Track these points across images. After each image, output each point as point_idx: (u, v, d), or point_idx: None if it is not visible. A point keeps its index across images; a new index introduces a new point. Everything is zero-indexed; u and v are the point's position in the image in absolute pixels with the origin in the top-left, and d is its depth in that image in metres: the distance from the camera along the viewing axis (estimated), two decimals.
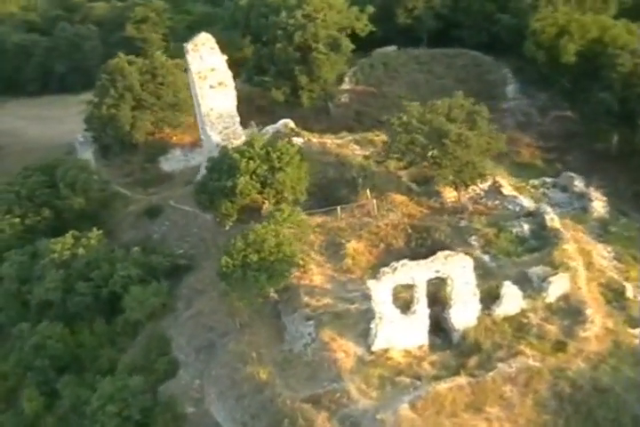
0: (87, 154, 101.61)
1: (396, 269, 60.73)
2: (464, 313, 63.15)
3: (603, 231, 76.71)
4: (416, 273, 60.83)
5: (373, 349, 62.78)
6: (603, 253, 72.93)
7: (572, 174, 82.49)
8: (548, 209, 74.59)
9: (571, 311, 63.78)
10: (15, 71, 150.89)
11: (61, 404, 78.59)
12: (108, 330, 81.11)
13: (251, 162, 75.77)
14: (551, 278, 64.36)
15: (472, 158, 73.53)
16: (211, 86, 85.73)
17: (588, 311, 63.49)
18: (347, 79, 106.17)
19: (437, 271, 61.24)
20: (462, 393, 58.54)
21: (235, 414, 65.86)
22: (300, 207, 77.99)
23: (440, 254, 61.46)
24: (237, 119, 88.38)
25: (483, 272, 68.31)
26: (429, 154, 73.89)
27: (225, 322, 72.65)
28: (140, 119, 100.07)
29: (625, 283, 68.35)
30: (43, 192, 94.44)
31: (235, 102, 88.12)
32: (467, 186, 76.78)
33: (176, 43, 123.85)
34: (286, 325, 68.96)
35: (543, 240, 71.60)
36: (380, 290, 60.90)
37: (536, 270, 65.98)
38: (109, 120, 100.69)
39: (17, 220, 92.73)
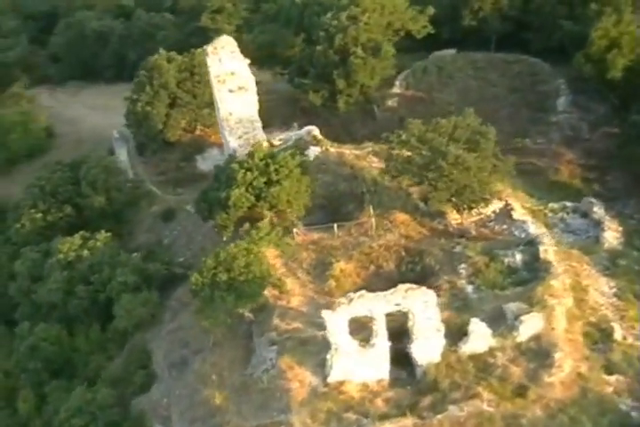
0: (122, 150, 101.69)
1: (351, 300, 59.11)
2: (427, 349, 60.71)
3: (611, 264, 71.96)
4: (374, 305, 59.04)
5: (329, 380, 61.35)
6: (603, 289, 69.30)
7: (593, 200, 78.86)
8: (545, 239, 70.94)
9: (540, 353, 60.98)
10: (93, 57, 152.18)
11: (47, 409, 78.48)
12: (101, 336, 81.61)
13: (248, 173, 75.01)
14: (523, 317, 61.24)
15: (471, 182, 70.42)
16: (230, 90, 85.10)
17: (557, 355, 60.32)
18: (397, 83, 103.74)
19: (397, 305, 59.29)
20: None
21: None
22: (304, 221, 76.38)
23: (400, 287, 59.75)
24: (258, 124, 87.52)
25: (461, 304, 66.25)
26: (426, 175, 70.53)
27: (201, 339, 72.44)
28: (173, 118, 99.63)
29: (613, 324, 64.03)
30: (66, 189, 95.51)
31: (256, 107, 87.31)
32: (469, 209, 73.45)
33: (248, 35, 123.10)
34: (255, 347, 67.59)
35: (534, 273, 67.86)
36: (336, 321, 59.20)
37: (511, 306, 63.38)
38: (144, 117, 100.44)
39: (39, 215, 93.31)
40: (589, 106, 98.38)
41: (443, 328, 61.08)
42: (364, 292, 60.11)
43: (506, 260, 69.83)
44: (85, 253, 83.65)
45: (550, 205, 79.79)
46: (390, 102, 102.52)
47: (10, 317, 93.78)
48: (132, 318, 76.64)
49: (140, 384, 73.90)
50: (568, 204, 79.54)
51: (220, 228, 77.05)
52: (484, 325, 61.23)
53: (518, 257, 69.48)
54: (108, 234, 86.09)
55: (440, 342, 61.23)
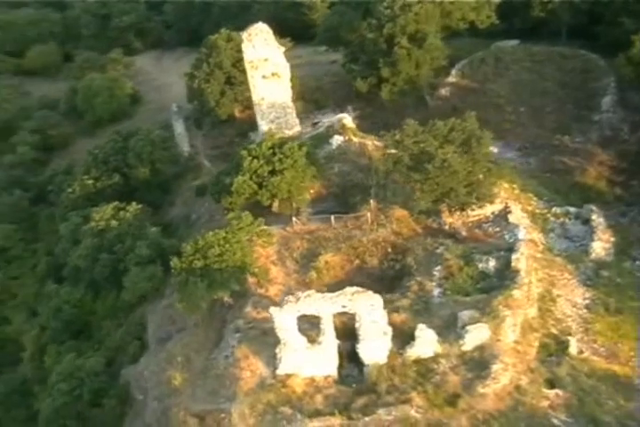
0: (179, 124, 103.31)
1: (299, 299, 59.34)
2: (373, 350, 60.78)
3: (594, 275, 70.20)
4: (321, 306, 59.35)
5: (278, 373, 61.80)
6: (576, 300, 68.10)
7: (593, 207, 76.81)
8: (521, 247, 69.32)
9: (480, 364, 60.39)
10: (198, 26, 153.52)
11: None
12: (115, 304, 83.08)
13: (255, 161, 75.12)
14: (470, 327, 60.32)
15: (457, 185, 69.29)
16: (263, 76, 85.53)
17: (495, 367, 59.62)
18: (453, 72, 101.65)
19: (344, 306, 59.31)
20: None
21: (148, 412, 66.92)
22: (316, 208, 76.71)
23: (347, 290, 60.10)
24: (291, 110, 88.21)
25: (422, 308, 65.83)
26: (413, 176, 69.86)
27: (185, 318, 73.01)
28: (227, 96, 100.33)
29: (570, 337, 62.55)
30: (116, 158, 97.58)
31: (289, 93, 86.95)
32: (461, 210, 72.42)
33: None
34: (224, 333, 68.47)
35: (504, 280, 66.60)
36: (283, 318, 59.58)
37: (464, 314, 62.63)
38: (200, 94, 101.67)
39: (90, 182, 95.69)
40: (636, 106, 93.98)
41: (390, 331, 61.15)
42: (312, 292, 60.58)
43: (480, 265, 68.35)
44: (114, 222, 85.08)
45: (554, 209, 77.89)
46: (444, 91, 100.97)
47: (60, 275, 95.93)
48: (136, 291, 78.28)
49: (133, 354, 76.17)
50: (571, 209, 77.66)
51: (228, 211, 76.88)
52: (430, 331, 61.08)
53: (491, 263, 68.42)
54: (139, 206, 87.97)
55: (386, 344, 61.47)
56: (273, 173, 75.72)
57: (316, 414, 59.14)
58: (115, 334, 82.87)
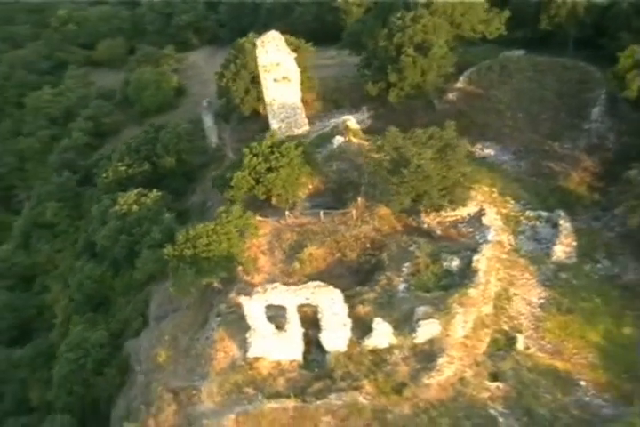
0: (208, 118, 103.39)
1: (266, 290, 59.24)
2: (334, 339, 60.50)
3: (553, 276, 68.79)
4: (286, 297, 59.13)
5: (248, 355, 61.82)
6: (531, 299, 67.00)
7: (561, 213, 75.22)
8: (483, 249, 68.34)
9: (429, 356, 59.57)
10: (249, 25, 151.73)
11: None
12: (129, 282, 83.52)
13: (254, 158, 74.85)
14: (422, 322, 59.65)
15: (430, 189, 68.33)
16: (275, 80, 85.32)
17: (441, 360, 59.11)
18: (462, 78, 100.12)
19: (307, 299, 59.17)
20: (284, 415, 57.55)
21: (135, 385, 67.34)
22: (314, 202, 76.42)
23: (310, 284, 60.22)
24: (300, 111, 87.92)
25: (385, 301, 65.47)
26: (391, 179, 69.18)
27: (180, 299, 73.25)
28: (250, 94, 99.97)
29: (519, 334, 61.53)
30: (147, 148, 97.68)
31: (298, 96, 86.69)
32: (436, 211, 71.51)
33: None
34: (210, 316, 68.65)
35: (465, 279, 65.55)
36: (252, 307, 59.62)
37: (420, 310, 62.02)
38: (226, 92, 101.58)
39: (123, 168, 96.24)
40: (623, 117, 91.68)
41: (349, 323, 61.00)
42: (277, 284, 60.62)
43: (445, 264, 67.27)
44: (135, 207, 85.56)
45: (527, 212, 76.16)
46: (451, 95, 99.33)
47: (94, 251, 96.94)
48: (145, 271, 78.43)
49: (136, 329, 76.80)
50: (543, 213, 75.76)
51: (231, 203, 76.85)
52: (386, 324, 61.02)
53: (455, 263, 67.40)
54: (159, 193, 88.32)
55: (346, 334, 61.07)
56: (270, 170, 75.02)
57: (276, 395, 59.14)
58: (125, 309, 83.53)
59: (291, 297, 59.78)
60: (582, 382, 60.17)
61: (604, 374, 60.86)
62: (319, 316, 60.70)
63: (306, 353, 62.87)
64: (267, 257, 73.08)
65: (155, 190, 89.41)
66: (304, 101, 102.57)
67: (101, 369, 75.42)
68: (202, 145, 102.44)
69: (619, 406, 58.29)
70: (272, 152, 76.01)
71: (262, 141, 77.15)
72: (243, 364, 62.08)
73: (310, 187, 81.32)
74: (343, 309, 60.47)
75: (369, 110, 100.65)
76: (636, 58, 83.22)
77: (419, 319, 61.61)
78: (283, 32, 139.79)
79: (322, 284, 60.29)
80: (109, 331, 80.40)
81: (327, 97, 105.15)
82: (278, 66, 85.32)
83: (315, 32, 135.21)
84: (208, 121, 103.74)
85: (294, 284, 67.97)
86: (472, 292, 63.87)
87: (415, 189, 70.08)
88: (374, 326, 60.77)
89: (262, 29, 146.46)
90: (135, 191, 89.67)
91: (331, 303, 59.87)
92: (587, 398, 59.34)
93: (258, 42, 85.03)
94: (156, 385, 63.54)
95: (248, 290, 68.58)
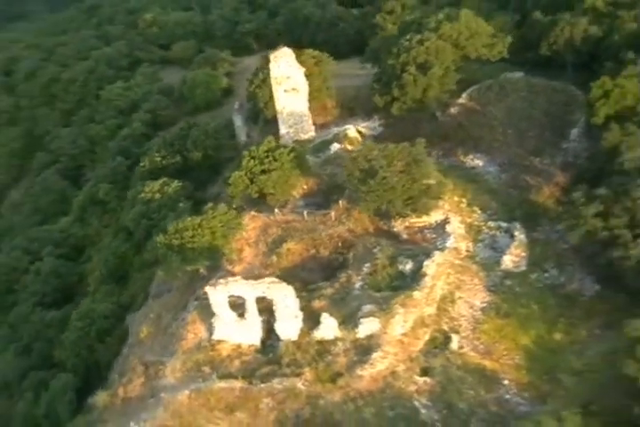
0: (238, 118, 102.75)
1: (228, 283, 58.83)
2: (286, 329, 59.87)
3: (500, 283, 66.64)
4: (245, 290, 58.73)
5: (213, 337, 61.60)
6: (474, 302, 65.06)
7: (517, 225, 72.69)
8: (435, 254, 66.37)
9: (366, 350, 58.43)
10: (300, 35, 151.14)
11: None
12: (145, 261, 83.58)
13: (252, 161, 74.11)
14: (362, 319, 58.44)
15: (395, 199, 66.81)
16: (285, 90, 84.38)
17: (375, 354, 58.02)
18: (464, 95, 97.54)
19: (263, 292, 58.54)
20: (231, 395, 57.28)
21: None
22: (307, 201, 75.70)
23: (266, 280, 59.73)
24: (306, 118, 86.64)
25: (340, 298, 64.43)
26: (360, 188, 67.88)
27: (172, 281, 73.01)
28: (272, 100, 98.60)
29: (454, 334, 60.01)
30: (180, 142, 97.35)
31: (306, 105, 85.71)
32: (402, 217, 69.89)
33: None
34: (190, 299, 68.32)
35: (414, 281, 63.99)
36: (216, 296, 59.28)
37: (366, 307, 61.03)
38: (254, 97, 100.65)
39: (158, 159, 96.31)
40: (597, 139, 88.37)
41: (300, 315, 60.36)
42: (238, 278, 60.07)
43: (400, 266, 65.50)
44: (158, 195, 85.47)
45: (489, 222, 73.70)
46: (453, 110, 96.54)
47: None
48: (153, 253, 78.11)
49: (139, 304, 76.22)
50: (503, 224, 73.61)
51: (231, 198, 76.41)
52: (332, 319, 60.03)
53: (408, 266, 65.77)
54: (179, 184, 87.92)
55: (297, 325, 60.29)
56: (264, 171, 74.17)
57: (228, 376, 58.73)
58: (135, 284, 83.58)
59: (249, 290, 59.30)
60: (506, 382, 58.67)
61: (526, 374, 59.33)
62: (274, 308, 59.65)
63: (266, 339, 62.00)
64: (251, 249, 72.37)
65: (176, 181, 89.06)
66: (324, 108, 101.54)
67: (104, 338, 75.71)
68: (232, 142, 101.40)
69: (534, 405, 56.87)
70: (267, 156, 75.04)
71: (260, 146, 75.85)
72: (207, 345, 61.85)
73: (305, 187, 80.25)
74: (295, 302, 59.89)
75: (380, 119, 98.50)
76: (605, 88, 79.27)
77: (361, 316, 60.18)
78: (325, 43, 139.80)
79: (276, 280, 59.64)
80: (119, 303, 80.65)
81: (345, 105, 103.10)
82: (288, 78, 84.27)
83: (354, 44, 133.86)
84: (238, 121, 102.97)
85: (270, 275, 67.36)
86: (416, 294, 62.43)
87: (380, 198, 68.47)
88: (322, 319, 60.11)
89: (310, 40, 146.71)
90: (160, 181, 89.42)
91: (283, 298, 59.31)
92: (507, 396, 57.94)
93: (271, 57, 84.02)
94: (133, 358, 63.47)
95: (227, 278, 68.06)
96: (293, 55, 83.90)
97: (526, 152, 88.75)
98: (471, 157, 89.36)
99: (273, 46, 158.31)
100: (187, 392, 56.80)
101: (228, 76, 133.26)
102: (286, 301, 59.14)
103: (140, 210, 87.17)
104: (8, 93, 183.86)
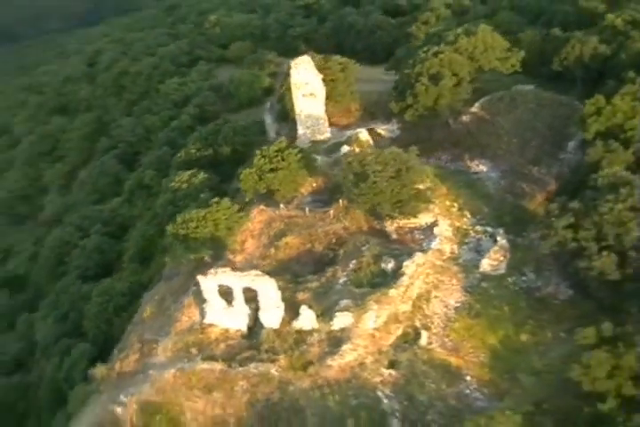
0: (268, 117, 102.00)
1: (217, 273, 58.43)
2: (269, 317, 59.30)
3: (477, 285, 64.79)
4: (232, 280, 58.24)
5: (204, 321, 61.26)
6: (449, 302, 63.21)
7: (501, 231, 70.43)
8: (416, 255, 64.70)
9: (338, 342, 57.49)
10: (342, 42, 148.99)
11: None
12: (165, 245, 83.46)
13: (262, 159, 73.31)
14: (337, 313, 57.62)
15: (384, 202, 65.37)
16: (303, 95, 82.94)
17: (345, 346, 56.96)
18: (476, 104, 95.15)
19: (249, 284, 57.84)
20: (211, 375, 57.12)
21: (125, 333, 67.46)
22: (314, 197, 74.70)
23: (252, 272, 58.55)
24: (322, 121, 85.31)
25: (323, 291, 63.36)
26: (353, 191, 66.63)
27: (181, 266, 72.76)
28: None
29: (424, 331, 58.63)
30: (212, 137, 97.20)
31: (322, 108, 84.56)
32: (391, 218, 68.38)
33: None
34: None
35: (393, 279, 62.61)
36: (207, 284, 58.98)
37: (343, 302, 60.04)
38: (282, 99, 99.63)
39: (193, 151, 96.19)
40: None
41: (282, 305, 59.31)
42: (227, 269, 59.32)
43: (383, 265, 63.92)
44: (184, 185, 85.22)
45: (477, 227, 71.78)
46: (465, 118, 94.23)
47: None
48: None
49: (153, 285, 75.85)
50: (489, 229, 71.41)
51: (244, 192, 75.74)
52: (310, 311, 59.13)
53: (390, 265, 64.13)
54: (205, 175, 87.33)
55: (279, 314, 59.85)
56: (272, 170, 73.04)
57: (211, 358, 58.21)
58: (155, 266, 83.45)
59: (236, 281, 58.75)
60: (468, 378, 57.29)
61: (489, 372, 57.71)
62: (258, 298, 58.88)
63: (253, 326, 61.35)
64: (254, 240, 71.65)
65: (202, 172, 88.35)
66: (347, 110, 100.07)
67: (120, 313, 75.80)
68: (263, 138, 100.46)
69: (492, 401, 55.33)
70: (276, 156, 73.75)
71: (271, 146, 74.80)
72: (198, 328, 61.51)
73: (314, 185, 79.10)
74: (277, 294, 59.19)
75: (397, 123, 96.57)
76: (598, 106, 76.25)
77: (337, 310, 59.06)
78: (364, 49, 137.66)
79: (260, 273, 58.99)
80: (140, 282, 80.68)
81: (368, 108, 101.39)
82: (307, 84, 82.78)
83: (390, 52, 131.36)
84: (268, 119, 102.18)
85: (266, 266, 66.66)
86: (392, 292, 61.08)
87: (370, 201, 66.80)
88: (300, 311, 59.07)
89: (351, 45, 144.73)
90: (189, 172, 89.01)
91: (266, 289, 58.57)
92: (467, 391, 56.55)
93: (292, 63, 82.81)
94: (133, 335, 63.37)
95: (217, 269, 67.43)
96: (312, 63, 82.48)
97: (526, 161, 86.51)
98: (476, 162, 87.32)
99: (320, 50, 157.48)
100: (172, 371, 56.58)
101: (273, 76, 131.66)
102: (269, 292, 58.41)
103: (169, 197, 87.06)
104: (89, 83, 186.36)
